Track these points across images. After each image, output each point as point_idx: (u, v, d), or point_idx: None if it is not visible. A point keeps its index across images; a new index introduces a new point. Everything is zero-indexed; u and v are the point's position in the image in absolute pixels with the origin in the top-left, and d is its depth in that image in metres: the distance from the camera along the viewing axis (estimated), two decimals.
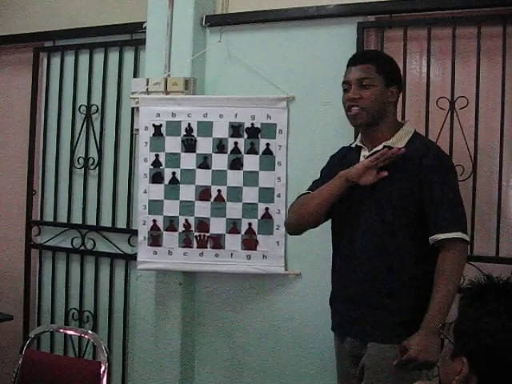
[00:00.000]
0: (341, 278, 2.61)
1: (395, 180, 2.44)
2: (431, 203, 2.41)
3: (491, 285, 1.46)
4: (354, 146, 2.66)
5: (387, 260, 2.45)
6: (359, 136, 2.65)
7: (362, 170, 2.46)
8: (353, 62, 2.59)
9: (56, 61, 4.04)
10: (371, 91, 2.48)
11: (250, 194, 3.36)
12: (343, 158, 2.72)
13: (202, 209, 3.40)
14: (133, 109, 3.59)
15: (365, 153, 2.55)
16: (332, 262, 2.69)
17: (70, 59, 3.99)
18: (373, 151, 2.51)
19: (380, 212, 2.46)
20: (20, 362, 2.47)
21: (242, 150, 3.37)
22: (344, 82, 2.56)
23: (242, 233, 3.37)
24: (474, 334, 1.39)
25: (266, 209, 3.35)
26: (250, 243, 3.36)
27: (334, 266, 2.66)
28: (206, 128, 3.39)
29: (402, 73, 3.06)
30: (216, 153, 3.39)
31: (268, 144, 3.35)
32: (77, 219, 3.95)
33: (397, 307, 2.43)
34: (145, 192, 3.46)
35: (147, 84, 3.49)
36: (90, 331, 2.75)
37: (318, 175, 3.29)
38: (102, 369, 2.36)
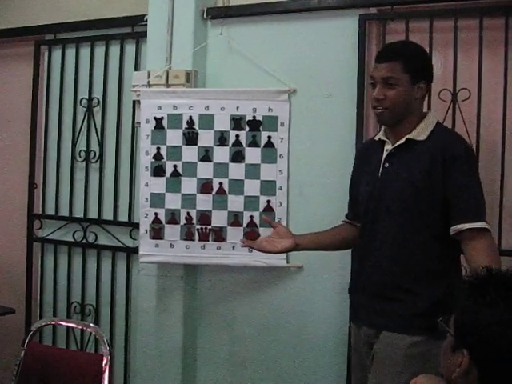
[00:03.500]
0: (359, 268, 2.59)
1: (416, 171, 2.40)
2: (455, 193, 2.37)
3: (491, 277, 1.46)
4: (377, 139, 2.60)
5: (407, 254, 2.42)
6: (383, 129, 2.60)
7: None
8: (379, 58, 2.51)
9: (57, 54, 4.03)
10: (396, 91, 2.41)
11: (252, 187, 3.36)
12: (366, 151, 2.69)
13: (204, 202, 3.40)
14: (134, 102, 3.58)
15: (388, 147, 2.51)
16: (355, 251, 2.66)
17: (71, 52, 3.99)
18: (396, 145, 2.47)
19: (400, 204, 2.43)
20: (22, 355, 2.47)
21: (244, 142, 3.36)
22: (371, 77, 2.51)
23: (244, 225, 3.37)
24: (473, 327, 1.39)
25: (268, 201, 3.35)
26: (251, 236, 3.34)
27: (355, 256, 2.65)
28: (207, 121, 3.38)
29: None
30: (217, 145, 3.38)
31: (270, 137, 3.34)
32: (78, 212, 3.95)
33: (413, 301, 2.40)
34: (146, 185, 3.45)
35: (148, 77, 3.48)
36: (91, 324, 2.76)
37: (320, 168, 3.31)
38: (104, 361, 2.35)
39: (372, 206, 2.53)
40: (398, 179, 2.45)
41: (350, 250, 3.07)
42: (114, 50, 3.85)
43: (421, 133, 2.45)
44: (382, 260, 2.47)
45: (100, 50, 3.89)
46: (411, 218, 2.42)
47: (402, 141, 2.45)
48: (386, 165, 2.49)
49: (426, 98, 3.00)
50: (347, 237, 2.76)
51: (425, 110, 2.84)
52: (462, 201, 2.37)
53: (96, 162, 3.90)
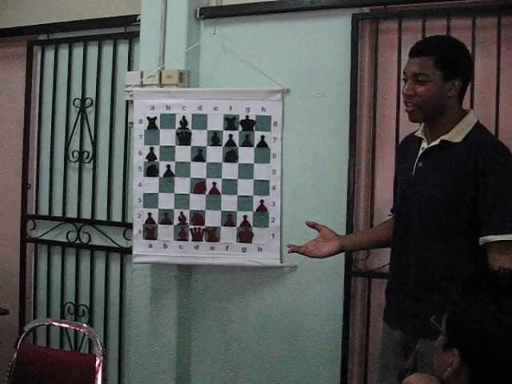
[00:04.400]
0: (395, 269, 2.54)
1: (448, 174, 2.34)
2: (485, 201, 2.27)
3: (482, 276, 1.46)
4: (416, 135, 2.53)
5: (438, 256, 2.35)
6: (422, 124, 2.53)
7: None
8: (411, 52, 2.42)
9: (50, 54, 4.02)
10: (426, 87, 2.34)
11: (245, 187, 3.35)
12: (406, 146, 2.62)
13: (197, 202, 3.39)
14: (127, 102, 3.58)
15: (424, 145, 2.44)
16: (391, 249, 2.61)
17: (64, 52, 3.98)
18: (430, 145, 2.41)
19: (430, 206, 2.37)
20: (15, 355, 2.47)
21: (237, 142, 3.36)
22: (403, 72, 2.45)
23: (238, 225, 3.37)
24: (464, 326, 1.40)
25: (261, 201, 3.35)
26: (245, 236, 3.36)
27: (392, 255, 2.58)
28: (200, 121, 3.38)
29: (400, 64, 3.08)
30: (211, 145, 3.38)
31: (263, 136, 3.34)
32: (72, 213, 3.94)
33: (446, 303, 2.31)
34: (139, 185, 3.45)
35: (141, 77, 3.48)
36: (84, 324, 2.74)
37: (313, 167, 3.32)
38: (97, 362, 2.35)
39: (405, 205, 2.49)
40: (429, 181, 2.39)
41: None
42: (107, 50, 3.84)
43: (457, 134, 2.37)
44: (414, 261, 2.41)
45: (93, 50, 3.88)
46: (441, 221, 2.35)
47: (436, 142, 2.39)
48: (420, 164, 2.43)
49: None
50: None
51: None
52: (492, 210, 2.27)
53: (89, 162, 3.89)
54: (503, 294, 1.39)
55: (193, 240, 3.41)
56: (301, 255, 3.29)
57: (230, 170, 3.37)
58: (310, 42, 3.32)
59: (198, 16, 3.51)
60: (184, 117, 3.39)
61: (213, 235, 3.39)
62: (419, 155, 2.45)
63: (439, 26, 3.02)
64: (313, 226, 2.73)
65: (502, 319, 1.35)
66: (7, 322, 4.00)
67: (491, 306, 1.37)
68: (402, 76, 2.46)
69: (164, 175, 3.42)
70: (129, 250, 3.62)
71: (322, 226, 2.70)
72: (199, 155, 3.39)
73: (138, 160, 3.45)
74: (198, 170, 3.39)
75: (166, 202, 3.42)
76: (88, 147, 3.89)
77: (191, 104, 3.38)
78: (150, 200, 3.44)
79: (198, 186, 3.39)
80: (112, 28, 3.80)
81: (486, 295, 1.39)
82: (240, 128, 3.35)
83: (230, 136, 3.36)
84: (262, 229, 3.36)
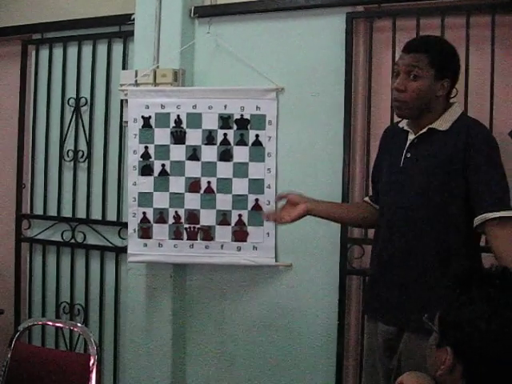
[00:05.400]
0: (377, 259, 2.54)
1: (438, 160, 2.36)
2: (477, 180, 2.31)
3: (474, 274, 1.47)
4: (401, 126, 2.55)
5: (425, 245, 2.37)
6: None
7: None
8: (406, 47, 2.44)
9: (44, 53, 4.02)
10: (418, 84, 2.36)
11: (240, 186, 3.35)
12: (391, 137, 2.63)
13: (192, 201, 3.39)
14: (122, 101, 3.58)
15: (411, 136, 2.46)
16: (374, 239, 2.62)
17: (58, 52, 3.97)
18: (418, 134, 2.43)
19: (421, 194, 2.38)
20: (9, 355, 2.46)
21: (232, 141, 3.36)
22: (395, 64, 2.46)
23: (232, 224, 3.37)
24: (456, 324, 1.40)
25: (256, 200, 3.34)
26: (240, 235, 3.36)
27: (375, 245, 2.59)
28: (195, 120, 3.38)
29: (392, 63, 3.08)
30: (205, 144, 3.38)
31: (257, 135, 3.34)
32: (67, 212, 3.94)
33: (430, 295, 2.29)
34: (134, 184, 3.45)
35: (136, 76, 3.47)
36: (79, 324, 2.73)
37: (308, 166, 3.32)
38: (91, 361, 2.34)
39: (392, 196, 2.49)
40: (420, 168, 2.40)
41: (346, 249, 3.17)
42: (102, 49, 3.84)
43: (444, 123, 2.40)
44: (400, 250, 2.42)
45: (87, 50, 3.87)
46: (432, 208, 2.37)
47: (424, 130, 2.41)
48: (408, 155, 2.45)
49: None
50: (368, 216, 2.70)
51: None
52: (484, 189, 2.30)
53: (84, 161, 3.89)
54: (495, 291, 1.39)
55: (188, 239, 3.41)
56: (296, 254, 3.32)
57: (224, 169, 3.36)
58: (304, 40, 3.32)
59: (192, 15, 3.50)
60: (178, 116, 3.39)
61: (208, 234, 3.39)
62: (407, 146, 2.47)
63: (433, 24, 3.03)
64: (279, 198, 2.79)
65: (494, 316, 1.36)
66: (2, 321, 4.00)
67: (483, 304, 1.37)
68: (394, 69, 2.46)
69: (159, 174, 3.42)
70: (124, 250, 3.62)
71: (288, 193, 2.71)
72: (194, 154, 3.39)
73: (133, 159, 3.44)
74: (193, 169, 3.39)
75: (161, 201, 3.42)
76: (83, 146, 3.89)
77: (186, 103, 3.38)
78: (144, 199, 3.44)
79: (193, 185, 3.39)
80: (106, 27, 3.79)
81: (478, 293, 1.39)
82: (235, 127, 3.35)
83: (225, 135, 3.36)
84: (257, 228, 3.35)
